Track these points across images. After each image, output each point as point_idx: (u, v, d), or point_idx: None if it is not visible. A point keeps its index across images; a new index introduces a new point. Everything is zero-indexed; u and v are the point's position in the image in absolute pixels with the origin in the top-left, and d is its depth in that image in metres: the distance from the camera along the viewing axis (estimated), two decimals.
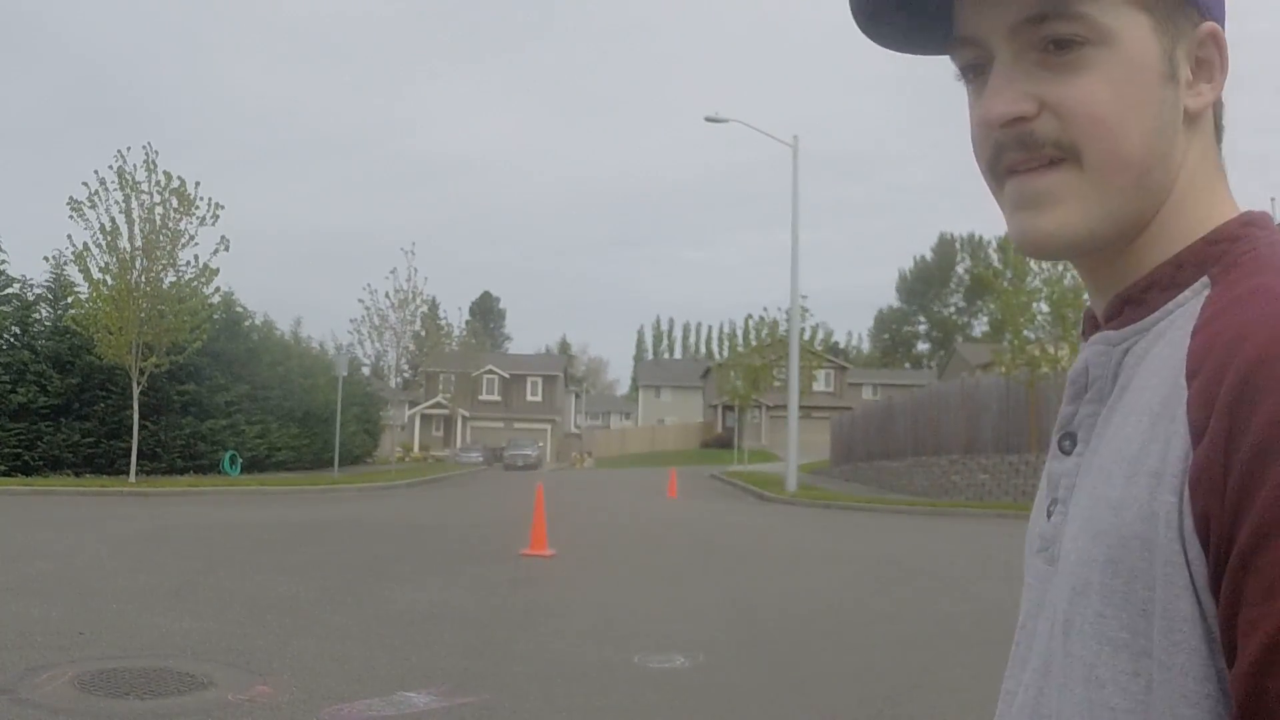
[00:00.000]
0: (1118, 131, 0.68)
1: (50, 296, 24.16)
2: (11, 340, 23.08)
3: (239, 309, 28.33)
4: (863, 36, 0.76)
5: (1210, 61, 0.71)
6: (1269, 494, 0.56)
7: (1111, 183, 0.68)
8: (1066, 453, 0.73)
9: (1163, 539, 0.61)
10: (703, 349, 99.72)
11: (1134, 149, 0.68)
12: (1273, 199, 46.77)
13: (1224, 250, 0.68)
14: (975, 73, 0.72)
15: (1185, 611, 0.61)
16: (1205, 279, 0.68)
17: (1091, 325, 0.75)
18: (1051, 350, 20.35)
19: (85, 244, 20.51)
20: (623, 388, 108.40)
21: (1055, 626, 0.69)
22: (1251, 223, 0.70)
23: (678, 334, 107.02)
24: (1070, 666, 0.67)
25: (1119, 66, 0.68)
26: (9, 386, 21.88)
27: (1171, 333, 0.67)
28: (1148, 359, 0.68)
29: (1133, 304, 0.71)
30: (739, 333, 43.96)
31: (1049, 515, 0.73)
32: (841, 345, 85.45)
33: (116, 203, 20.61)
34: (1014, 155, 0.69)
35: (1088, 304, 0.77)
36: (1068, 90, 0.67)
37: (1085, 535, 0.67)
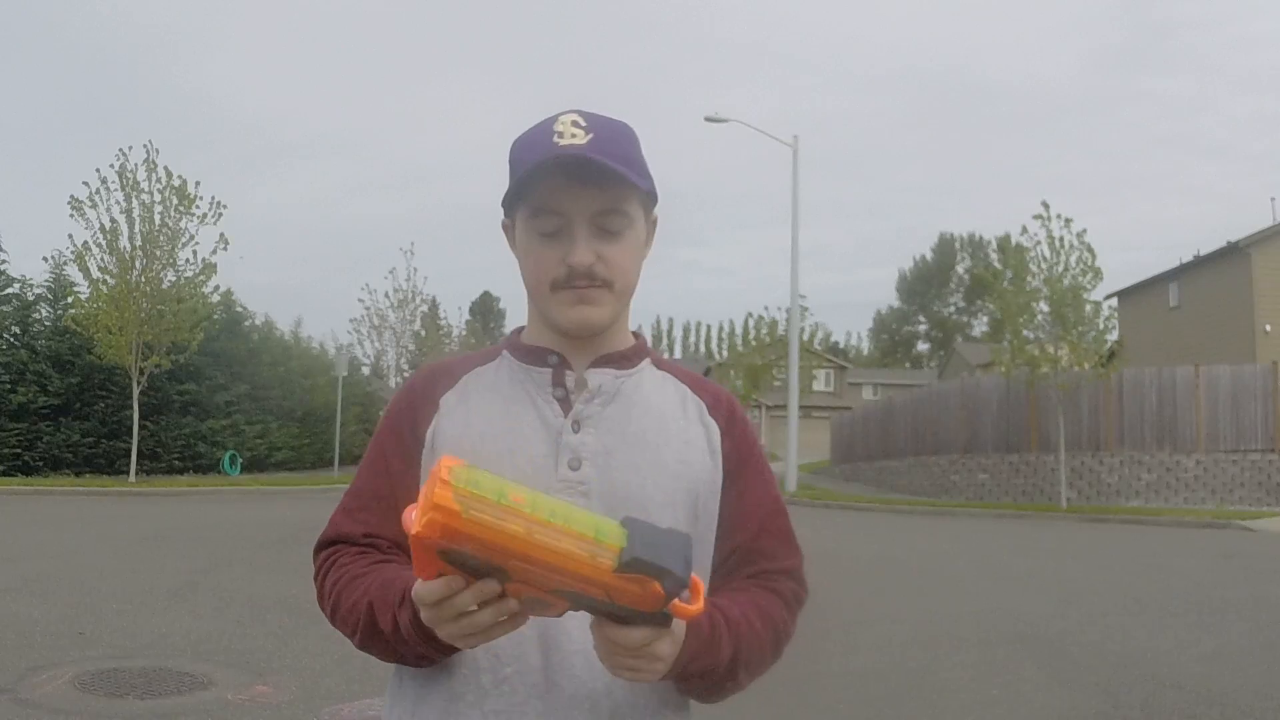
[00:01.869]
0: (629, 276, 1.26)
1: (50, 296, 24.13)
2: (11, 340, 23.05)
3: (239, 309, 28.32)
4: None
5: (650, 235, 1.32)
6: (755, 455, 1.33)
7: (621, 300, 1.27)
8: (577, 432, 1.24)
9: (714, 478, 1.28)
10: (702, 349, 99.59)
11: (631, 284, 1.27)
12: (1273, 199, 46.69)
13: (646, 348, 1.35)
14: (550, 227, 1.22)
15: (715, 514, 1.28)
16: (648, 360, 1.34)
17: (565, 363, 1.28)
18: (1051, 350, 20.33)
19: (85, 243, 20.49)
20: None
21: None
22: (643, 338, 1.37)
23: (677, 334, 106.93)
24: None
25: (634, 240, 1.26)
26: (9, 386, 21.86)
27: (648, 378, 1.32)
28: (641, 387, 1.30)
29: (625, 360, 1.30)
30: (739, 332, 43.89)
31: (572, 468, 1.22)
32: (841, 345, 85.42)
33: (118, 202, 20.58)
34: (581, 279, 1.22)
35: (534, 344, 1.31)
36: (613, 252, 1.23)
37: (662, 477, 1.24)
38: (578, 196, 1.20)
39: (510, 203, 1.28)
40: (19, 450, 21.59)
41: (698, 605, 1.04)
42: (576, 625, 1.12)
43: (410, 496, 1.21)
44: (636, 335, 1.36)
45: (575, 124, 1.21)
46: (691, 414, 1.31)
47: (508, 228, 1.32)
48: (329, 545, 1.29)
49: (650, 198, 1.29)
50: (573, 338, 1.28)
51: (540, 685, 1.16)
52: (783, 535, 1.34)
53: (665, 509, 1.21)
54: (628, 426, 1.26)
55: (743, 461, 1.32)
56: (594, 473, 1.22)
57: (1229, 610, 8.14)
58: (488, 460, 1.17)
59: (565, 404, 1.26)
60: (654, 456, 1.25)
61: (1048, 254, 20.34)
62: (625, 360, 1.31)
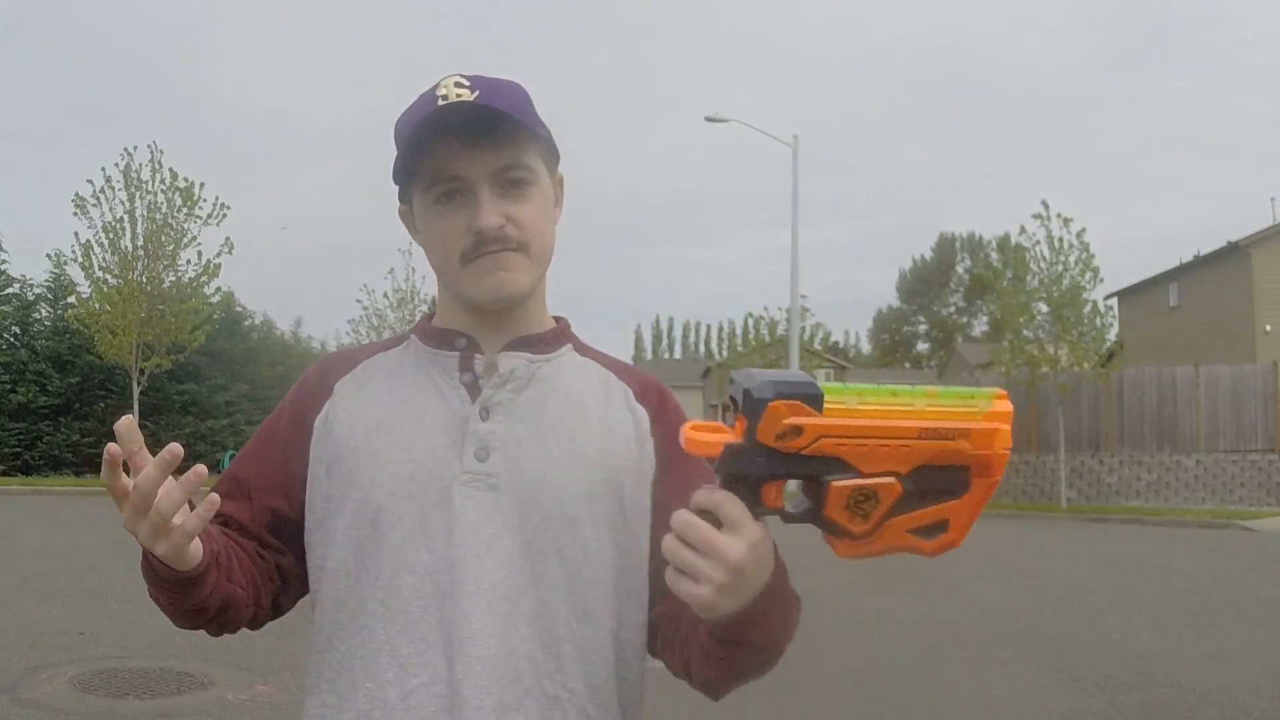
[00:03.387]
0: (544, 238, 1.17)
1: (50, 296, 24.17)
2: (11, 340, 23.09)
3: (239, 309, 28.35)
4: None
5: (559, 196, 1.23)
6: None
7: (539, 267, 1.17)
8: (485, 420, 1.13)
9: (642, 466, 1.15)
10: (702, 349, 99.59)
11: (548, 248, 1.18)
12: (1273, 199, 46.73)
13: (568, 333, 1.24)
14: (449, 196, 1.13)
15: (646, 504, 1.15)
16: (569, 345, 1.23)
17: (474, 345, 1.18)
18: (1051, 350, 20.34)
19: (88, 242, 20.49)
20: None
21: (529, 520, 1.10)
22: (566, 322, 1.26)
23: (677, 334, 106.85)
24: (570, 541, 1.10)
25: (541, 197, 1.16)
26: (9, 386, 21.90)
27: (569, 364, 1.21)
28: (560, 373, 1.19)
29: (542, 344, 1.20)
30: (739, 332, 43.97)
31: (479, 459, 1.11)
32: (841, 345, 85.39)
33: (121, 201, 20.58)
34: (491, 245, 1.12)
35: (443, 327, 1.21)
36: (522, 211, 1.13)
37: (579, 467, 1.12)
38: (473, 156, 1.11)
39: (403, 181, 1.19)
40: (19, 450, 21.62)
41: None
42: (480, 629, 1.06)
43: (276, 489, 1.20)
44: (559, 319, 1.26)
45: (459, 84, 1.13)
46: (616, 400, 1.20)
47: (405, 214, 1.23)
48: None
49: (551, 152, 1.20)
50: (490, 315, 1.18)
51: (446, 697, 1.08)
52: None
53: (583, 501, 1.12)
54: (543, 414, 1.15)
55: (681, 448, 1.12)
56: (503, 464, 1.11)
57: (1229, 610, 8.14)
58: (384, 452, 1.13)
59: (474, 389, 1.16)
60: (570, 446, 1.14)
61: (1047, 254, 20.37)
62: (543, 344, 1.20)
